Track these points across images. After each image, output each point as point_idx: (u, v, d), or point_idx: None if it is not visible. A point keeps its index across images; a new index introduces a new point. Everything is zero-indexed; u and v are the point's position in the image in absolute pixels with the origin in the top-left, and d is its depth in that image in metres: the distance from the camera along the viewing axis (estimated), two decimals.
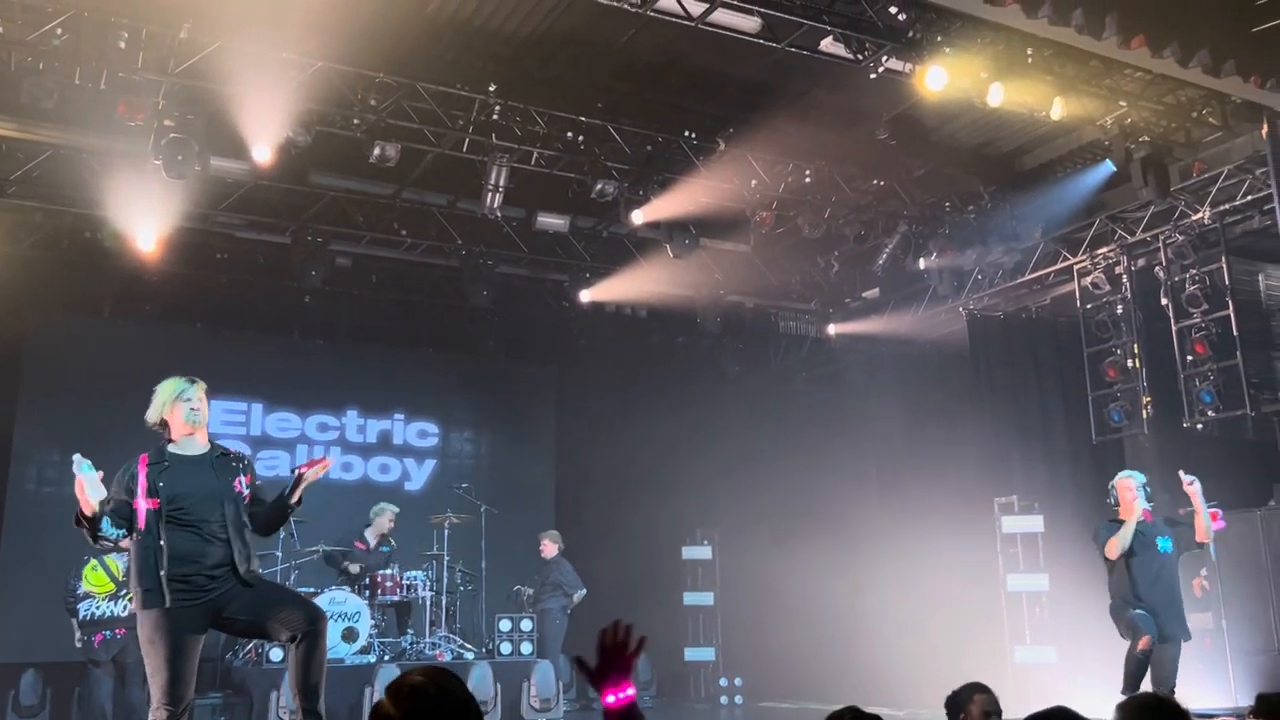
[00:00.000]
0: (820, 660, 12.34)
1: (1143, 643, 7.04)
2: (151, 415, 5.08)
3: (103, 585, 9.02)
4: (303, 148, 9.38)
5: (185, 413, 5.05)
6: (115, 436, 12.31)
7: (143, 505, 4.84)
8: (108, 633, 9.04)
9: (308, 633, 5.00)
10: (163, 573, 4.79)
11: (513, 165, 10.24)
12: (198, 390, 5.12)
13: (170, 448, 5.07)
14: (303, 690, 4.99)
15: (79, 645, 9.18)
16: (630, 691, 2.54)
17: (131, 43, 8.30)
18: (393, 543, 10.95)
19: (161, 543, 4.81)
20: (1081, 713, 2.87)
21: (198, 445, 5.11)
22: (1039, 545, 11.25)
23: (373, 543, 10.82)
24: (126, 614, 8.81)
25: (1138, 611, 7.15)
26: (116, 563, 8.97)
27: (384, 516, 10.90)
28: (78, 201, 10.30)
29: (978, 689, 4.46)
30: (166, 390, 5.09)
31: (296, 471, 5.16)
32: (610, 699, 2.54)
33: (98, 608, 9.08)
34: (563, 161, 10.51)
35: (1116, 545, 7.21)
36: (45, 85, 8.08)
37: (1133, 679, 7.04)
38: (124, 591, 8.81)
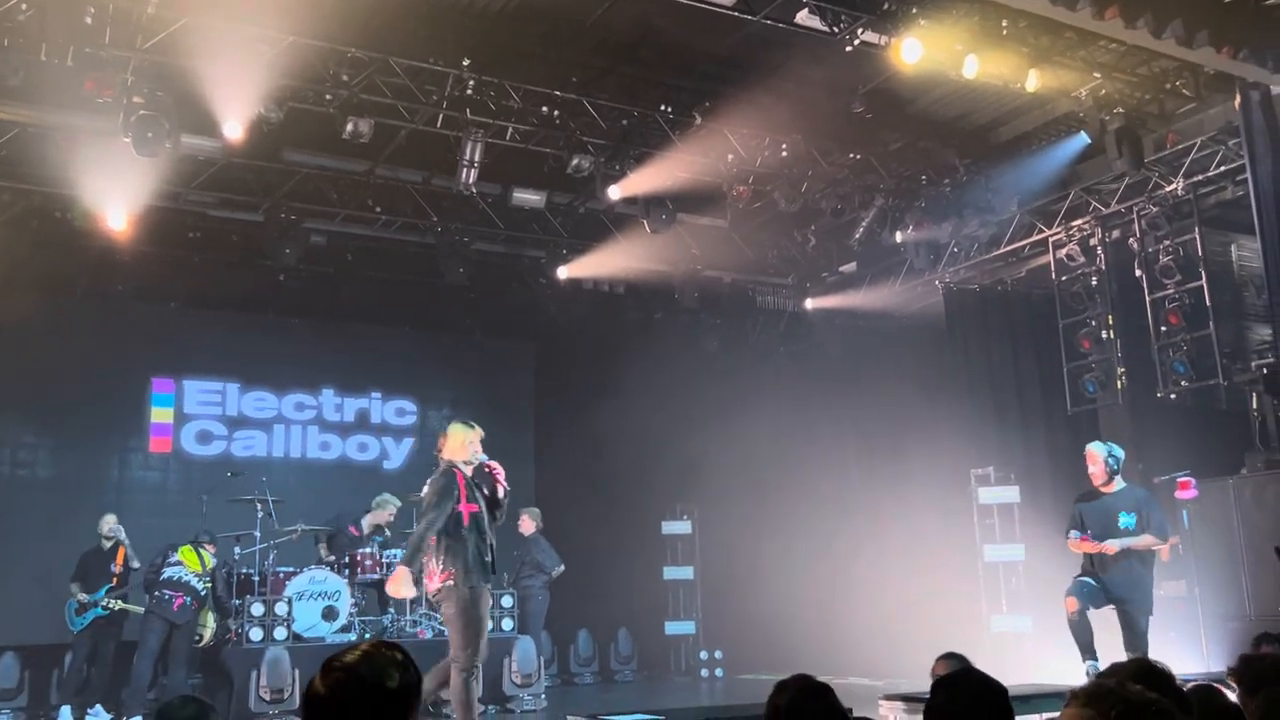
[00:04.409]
0: (800, 632, 12.42)
1: (1066, 606, 7.24)
2: (455, 454, 6.59)
3: (193, 564, 9.60)
4: (275, 124, 9.26)
5: (472, 454, 6.65)
6: (88, 417, 12.40)
7: (464, 509, 6.38)
8: (188, 599, 9.50)
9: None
10: (488, 559, 6.41)
11: (487, 141, 10.16)
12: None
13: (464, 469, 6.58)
14: None
15: (151, 600, 9.48)
16: None
17: (98, 18, 8.16)
18: (387, 533, 10.85)
19: (489, 541, 6.46)
20: (1057, 680, 2.90)
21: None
22: (1015, 516, 11.36)
23: (366, 531, 10.71)
24: (204, 594, 9.66)
25: (1078, 579, 7.36)
26: (210, 557, 9.72)
27: (385, 510, 10.78)
28: (47, 180, 10.16)
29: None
30: (461, 434, 6.63)
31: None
32: None
33: (185, 574, 9.53)
34: (538, 137, 10.45)
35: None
36: (10, 62, 7.95)
37: (1079, 643, 7.20)
38: (208, 580, 9.70)
